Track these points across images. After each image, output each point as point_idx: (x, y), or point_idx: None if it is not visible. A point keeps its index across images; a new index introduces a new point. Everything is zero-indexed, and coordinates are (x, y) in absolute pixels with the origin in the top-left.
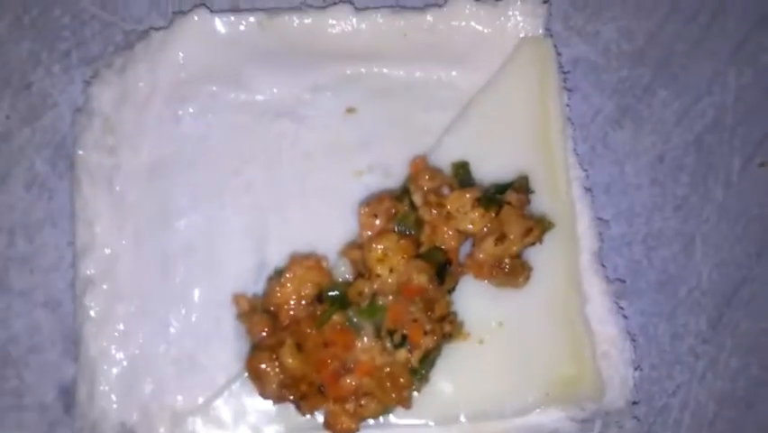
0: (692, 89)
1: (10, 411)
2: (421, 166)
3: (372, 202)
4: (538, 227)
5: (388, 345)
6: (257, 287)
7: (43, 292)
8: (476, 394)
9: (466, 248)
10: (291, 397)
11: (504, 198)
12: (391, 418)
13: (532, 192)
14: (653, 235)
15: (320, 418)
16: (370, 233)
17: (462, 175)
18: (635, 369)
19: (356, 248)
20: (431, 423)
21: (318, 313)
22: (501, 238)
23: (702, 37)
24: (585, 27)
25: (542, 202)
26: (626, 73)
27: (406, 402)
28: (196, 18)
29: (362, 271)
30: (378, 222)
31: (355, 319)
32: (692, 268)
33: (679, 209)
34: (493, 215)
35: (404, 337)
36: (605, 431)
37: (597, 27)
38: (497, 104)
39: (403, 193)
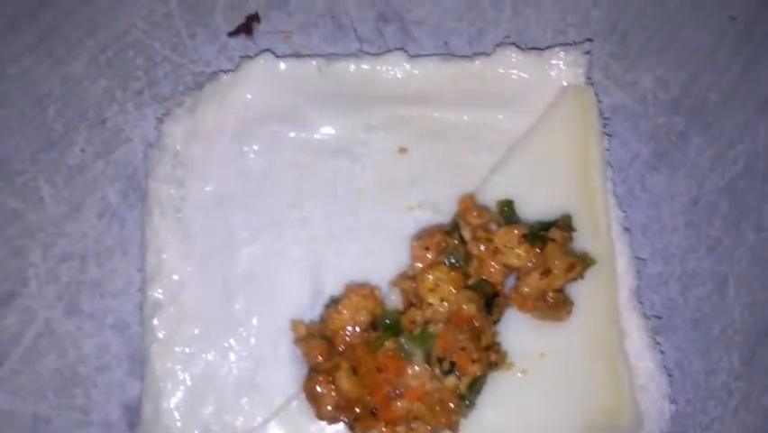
0: (725, 137)
1: (77, 427)
2: (469, 203)
3: (424, 236)
4: (580, 264)
5: (438, 371)
6: (312, 314)
7: (112, 315)
8: (518, 422)
9: (510, 282)
10: (345, 419)
11: (548, 235)
12: None
13: (574, 231)
14: (688, 275)
15: None
16: (421, 265)
17: (508, 213)
18: (672, 402)
19: (407, 279)
20: None
21: (372, 339)
22: (546, 273)
23: (734, 88)
24: (624, 77)
25: (583, 240)
26: (663, 120)
27: (454, 427)
28: (262, 62)
29: (413, 301)
30: (429, 255)
31: (407, 346)
32: (725, 307)
33: (712, 251)
34: (538, 250)
35: (452, 364)
36: None
37: (635, 77)
38: (540, 146)
39: (453, 228)
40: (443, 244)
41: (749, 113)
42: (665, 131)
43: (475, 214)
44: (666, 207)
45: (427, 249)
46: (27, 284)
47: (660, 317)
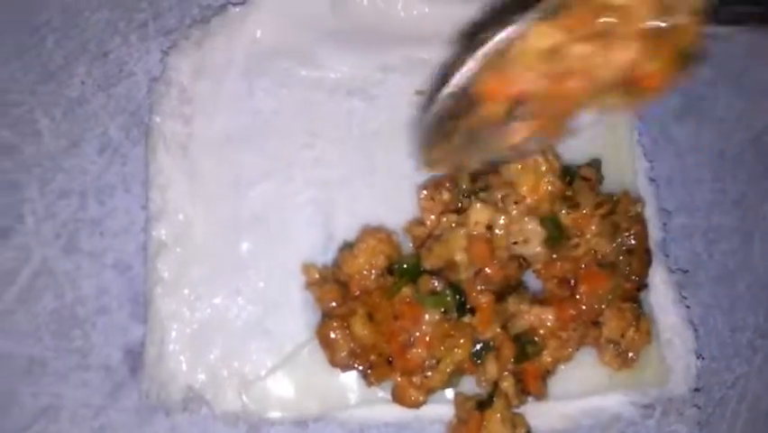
0: (752, 88)
1: (75, 371)
2: None
3: (430, 186)
4: (608, 203)
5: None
6: (325, 258)
7: (113, 255)
8: None
9: None
10: (360, 366)
11: (579, 171)
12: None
13: (602, 178)
14: (714, 229)
15: (381, 392)
16: (433, 216)
17: None
18: (698, 357)
19: (419, 225)
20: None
21: (388, 285)
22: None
23: (763, 37)
24: None
25: (608, 190)
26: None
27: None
28: None
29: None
30: (438, 205)
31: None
32: (751, 263)
33: (738, 205)
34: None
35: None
36: (665, 418)
37: None
38: None
39: None
40: (452, 189)
41: None
42: (692, 80)
43: None
44: (692, 159)
45: (433, 199)
46: (23, 220)
47: (686, 271)
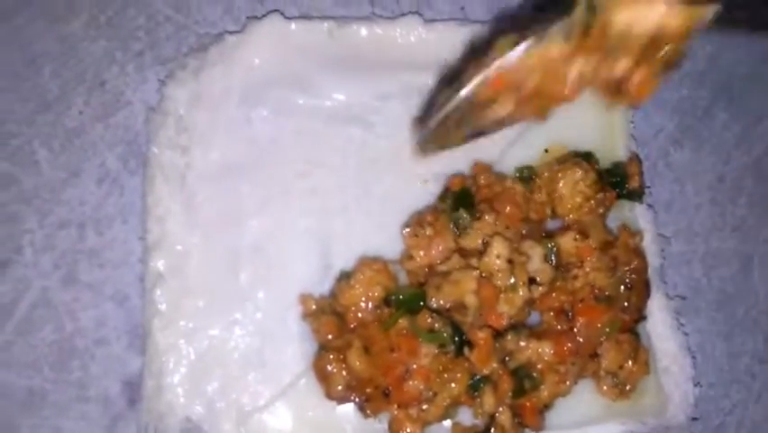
0: (751, 113)
1: (74, 403)
2: (482, 168)
3: (413, 223)
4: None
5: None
6: (322, 288)
7: (111, 286)
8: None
9: None
10: (356, 399)
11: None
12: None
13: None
14: (712, 255)
15: (378, 424)
16: (422, 252)
17: (527, 175)
18: (695, 385)
19: (410, 260)
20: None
21: (385, 317)
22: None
23: (761, 62)
24: None
25: (607, 216)
26: (687, 93)
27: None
28: (270, 24)
29: (421, 281)
30: (423, 240)
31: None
32: (750, 288)
33: (737, 230)
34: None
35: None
36: None
37: None
38: (563, 117)
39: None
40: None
41: None
42: (690, 105)
43: (485, 177)
44: (690, 184)
45: (417, 236)
46: (22, 252)
47: (684, 298)
